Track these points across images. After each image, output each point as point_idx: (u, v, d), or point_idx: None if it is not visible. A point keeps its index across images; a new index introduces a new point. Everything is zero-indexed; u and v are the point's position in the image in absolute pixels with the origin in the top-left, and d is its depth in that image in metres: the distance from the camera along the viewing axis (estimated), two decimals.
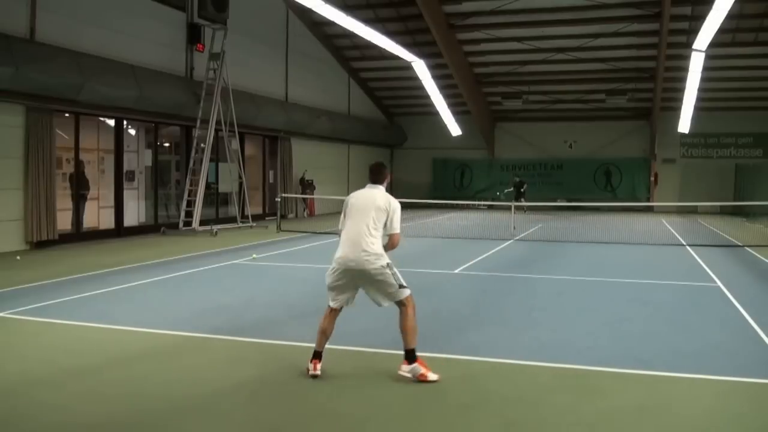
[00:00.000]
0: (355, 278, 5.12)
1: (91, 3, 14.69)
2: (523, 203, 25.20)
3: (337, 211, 27.17)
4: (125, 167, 16.34)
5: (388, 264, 5.12)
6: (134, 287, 9.04)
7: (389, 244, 5.28)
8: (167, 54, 16.96)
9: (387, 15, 23.11)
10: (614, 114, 28.28)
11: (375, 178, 5.47)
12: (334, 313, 5.23)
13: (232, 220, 18.27)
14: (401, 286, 5.13)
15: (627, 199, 27.51)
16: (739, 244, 14.99)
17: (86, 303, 7.97)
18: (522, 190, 26.16)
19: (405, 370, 5.05)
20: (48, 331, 6.66)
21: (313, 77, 24.50)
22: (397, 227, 5.24)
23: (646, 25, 21.56)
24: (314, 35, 24.60)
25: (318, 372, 5.11)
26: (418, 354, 5.13)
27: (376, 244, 5.10)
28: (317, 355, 5.16)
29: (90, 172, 15.66)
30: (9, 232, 12.91)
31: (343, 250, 5.12)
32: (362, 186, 5.61)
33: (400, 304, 5.14)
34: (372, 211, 5.16)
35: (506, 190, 26.59)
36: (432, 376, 5.02)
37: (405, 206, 26.36)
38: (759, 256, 12.87)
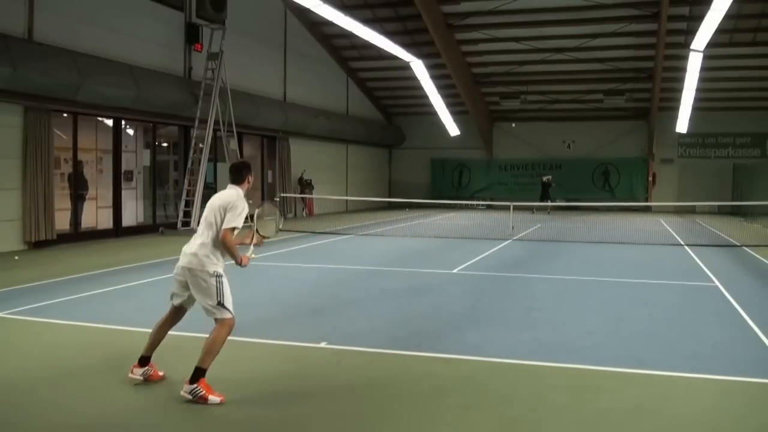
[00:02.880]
0: (185, 277, 4.80)
1: (89, 3, 14.68)
2: (548, 203, 25.35)
3: (336, 210, 27.11)
4: (123, 167, 16.32)
5: (215, 273, 4.71)
6: (132, 287, 9.03)
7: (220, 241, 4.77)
8: (165, 54, 16.95)
9: (385, 15, 23.11)
10: (612, 114, 28.31)
11: (233, 178, 5.04)
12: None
13: None
14: (220, 305, 4.68)
15: (625, 199, 27.52)
16: (737, 243, 15.01)
17: (84, 303, 7.96)
18: (549, 189, 26.08)
19: (186, 390, 4.55)
20: (46, 331, 6.65)
21: (312, 77, 24.50)
22: (228, 222, 4.74)
23: (644, 25, 21.59)
24: (312, 35, 24.61)
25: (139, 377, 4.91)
26: None
27: (206, 247, 4.75)
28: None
29: (88, 172, 15.64)
30: (7, 232, 12.89)
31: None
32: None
33: (216, 321, 4.72)
34: (210, 211, 4.83)
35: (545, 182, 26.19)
36: (213, 399, 4.52)
37: (403, 206, 26.15)
38: (757, 255, 12.88)
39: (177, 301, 4.96)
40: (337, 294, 8.66)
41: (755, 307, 7.82)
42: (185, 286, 4.84)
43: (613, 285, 9.59)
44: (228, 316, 4.71)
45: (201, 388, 4.53)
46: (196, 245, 4.77)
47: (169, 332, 5.14)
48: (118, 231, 15.89)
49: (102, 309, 7.61)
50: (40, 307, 7.59)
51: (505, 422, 4.35)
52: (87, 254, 12.57)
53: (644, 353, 5.88)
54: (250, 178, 5.09)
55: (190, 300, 4.93)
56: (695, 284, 9.65)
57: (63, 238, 14.05)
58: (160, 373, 5.04)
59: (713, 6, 15.89)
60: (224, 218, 4.76)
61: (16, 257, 11.98)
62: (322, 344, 6.07)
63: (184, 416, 4.42)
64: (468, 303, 8.27)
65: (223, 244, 4.75)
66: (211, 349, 4.64)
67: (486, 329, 6.84)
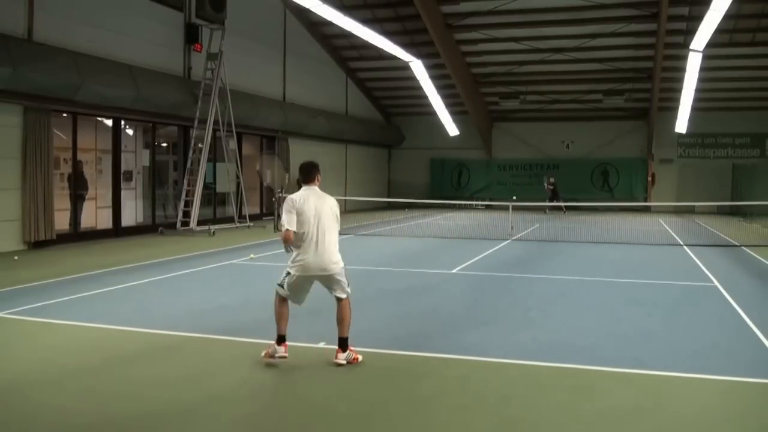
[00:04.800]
0: (316, 280, 5.56)
1: (89, 3, 14.68)
2: (548, 204, 25.42)
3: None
4: (123, 167, 16.32)
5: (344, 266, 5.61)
6: (132, 287, 9.03)
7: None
8: (165, 54, 16.95)
9: (385, 15, 23.11)
10: (612, 114, 28.32)
11: (306, 177, 5.61)
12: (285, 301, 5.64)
13: (230, 220, 18.26)
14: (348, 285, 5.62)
15: (624, 199, 27.53)
16: (737, 243, 15.03)
17: (84, 303, 7.97)
18: (555, 190, 26.09)
19: (341, 358, 5.39)
20: (46, 331, 6.65)
21: (311, 77, 24.50)
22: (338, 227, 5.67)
23: (643, 25, 21.59)
24: (312, 35, 24.61)
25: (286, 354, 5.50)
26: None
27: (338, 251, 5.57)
28: (283, 339, 5.54)
29: (88, 172, 15.64)
30: (7, 232, 12.89)
31: (310, 257, 5.42)
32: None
33: (343, 299, 5.57)
34: (333, 218, 5.52)
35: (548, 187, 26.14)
36: (360, 358, 5.46)
37: (403, 206, 26.17)
38: (756, 255, 12.90)
39: (301, 302, 5.70)
40: None
41: (754, 307, 7.83)
42: (308, 288, 5.63)
43: (612, 285, 9.60)
44: (350, 291, 5.60)
45: (352, 353, 5.42)
46: (334, 253, 5.48)
47: (166, 332, 5.13)
48: (117, 231, 15.89)
49: (101, 309, 7.62)
50: (40, 307, 7.59)
51: (503, 422, 4.36)
52: (86, 254, 12.57)
53: (643, 353, 5.89)
54: (319, 176, 5.69)
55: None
56: (694, 284, 9.66)
57: (62, 238, 14.05)
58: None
59: (712, 6, 15.90)
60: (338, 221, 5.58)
61: (16, 257, 11.98)
62: (321, 344, 6.07)
63: (183, 416, 4.43)
64: (467, 303, 8.28)
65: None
66: (348, 321, 5.48)
67: (485, 329, 6.84)
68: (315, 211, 5.35)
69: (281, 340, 5.49)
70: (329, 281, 5.50)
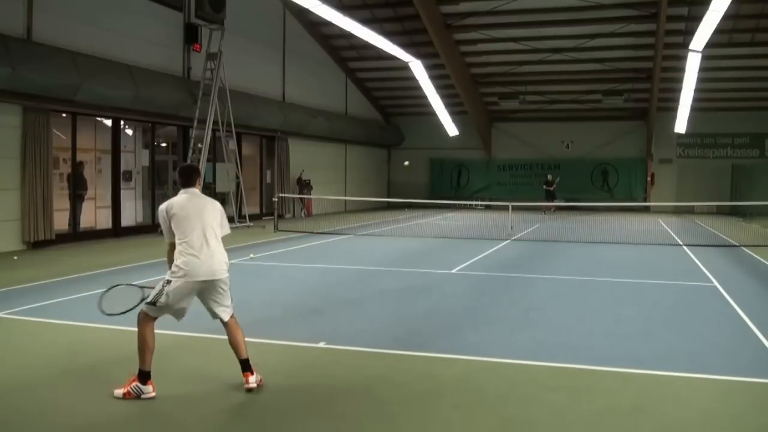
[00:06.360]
0: (198, 289, 4.82)
1: (88, 3, 14.69)
2: (550, 204, 25.44)
3: (335, 211, 27.07)
4: (122, 167, 16.32)
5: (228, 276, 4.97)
6: None
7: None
8: (164, 54, 16.95)
9: (384, 15, 23.12)
10: (611, 114, 28.34)
11: (187, 181, 5.02)
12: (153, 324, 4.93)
13: (230, 220, 18.18)
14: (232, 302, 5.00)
15: (624, 199, 27.57)
16: (736, 243, 15.03)
17: (84, 303, 7.95)
18: (552, 189, 26.13)
19: (252, 381, 4.78)
20: (46, 331, 6.65)
21: (311, 77, 24.52)
22: (227, 228, 5.07)
23: (642, 25, 21.62)
24: (311, 35, 24.62)
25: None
26: None
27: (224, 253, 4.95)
28: (148, 376, 4.75)
29: (87, 172, 15.64)
30: (6, 232, 12.89)
31: (198, 261, 4.75)
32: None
33: (229, 320, 4.96)
34: (217, 219, 4.96)
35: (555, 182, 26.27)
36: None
37: (402, 206, 26.16)
38: (755, 255, 12.90)
39: (182, 317, 4.99)
40: (335, 294, 8.66)
41: (754, 307, 7.84)
42: (192, 297, 4.85)
43: (612, 285, 9.60)
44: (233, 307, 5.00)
45: (258, 375, 4.86)
46: (219, 254, 4.85)
47: (166, 332, 5.13)
48: (117, 231, 15.89)
49: None
50: (40, 307, 7.59)
51: (502, 422, 4.36)
52: (86, 254, 12.57)
53: (643, 353, 5.89)
54: (200, 180, 5.16)
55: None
56: (694, 284, 9.67)
57: (62, 238, 14.05)
58: None
59: (712, 6, 15.92)
60: (221, 223, 4.99)
61: (15, 257, 11.98)
62: (321, 344, 6.07)
63: (183, 415, 4.43)
64: (467, 303, 8.28)
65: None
66: (244, 341, 4.93)
67: (484, 329, 6.84)
68: (198, 213, 4.83)
69: (146, 377, 4.71)
70: (213, 292, 4.82)
